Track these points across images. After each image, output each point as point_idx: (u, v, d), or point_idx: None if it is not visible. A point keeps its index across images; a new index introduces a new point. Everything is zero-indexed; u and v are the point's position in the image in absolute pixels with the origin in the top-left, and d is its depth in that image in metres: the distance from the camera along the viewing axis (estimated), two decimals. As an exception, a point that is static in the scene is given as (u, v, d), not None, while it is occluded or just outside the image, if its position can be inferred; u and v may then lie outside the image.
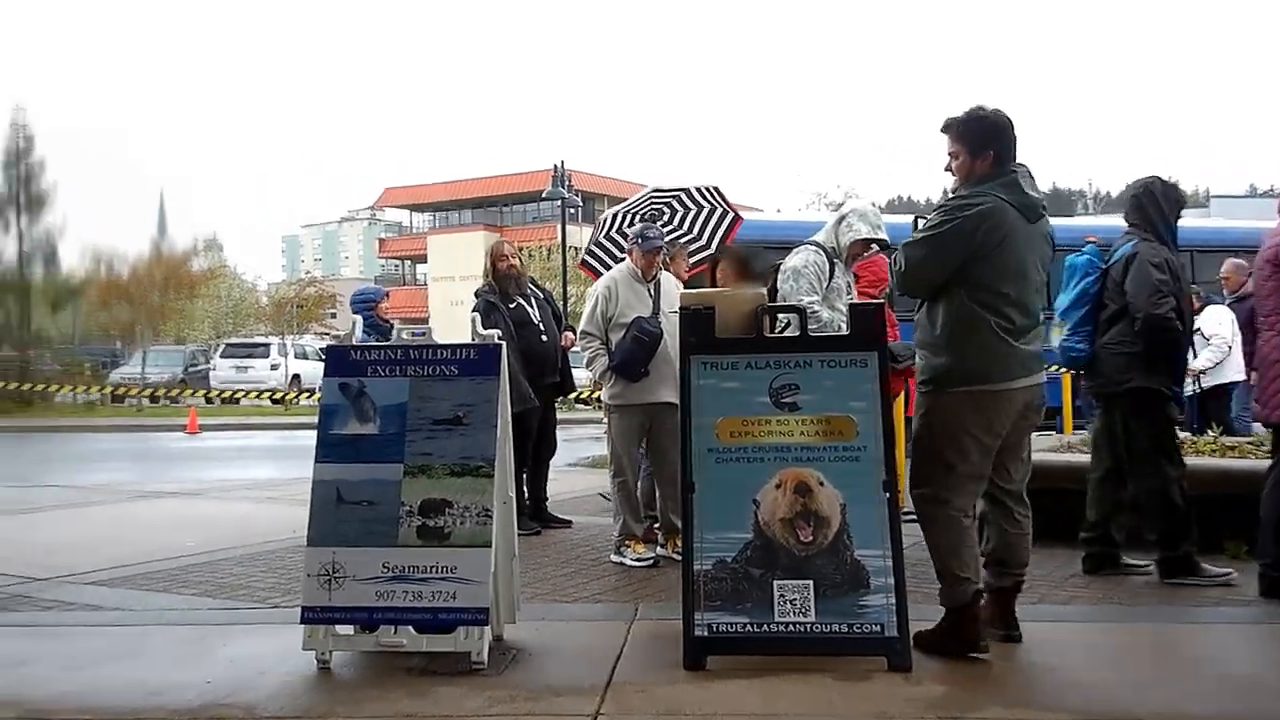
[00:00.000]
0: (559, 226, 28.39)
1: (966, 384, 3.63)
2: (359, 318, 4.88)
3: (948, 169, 3.83)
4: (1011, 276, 3.65)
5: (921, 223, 3.79)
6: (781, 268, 5.12)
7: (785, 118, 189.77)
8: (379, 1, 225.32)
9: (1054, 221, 3.97)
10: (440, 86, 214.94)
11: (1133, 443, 4.89)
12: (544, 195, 29.55)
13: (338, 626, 3.71)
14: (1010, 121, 3.78)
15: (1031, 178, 3.78)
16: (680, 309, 3.98)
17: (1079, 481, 5.18)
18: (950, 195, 3.86)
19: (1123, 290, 4.87)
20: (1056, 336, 5.15)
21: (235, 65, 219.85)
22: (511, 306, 6.50)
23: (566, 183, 26.26)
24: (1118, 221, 5.70)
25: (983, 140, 3.73)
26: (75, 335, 26.34)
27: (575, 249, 30.75)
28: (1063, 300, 5.16)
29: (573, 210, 29.48)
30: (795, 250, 5.13)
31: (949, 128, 3.79)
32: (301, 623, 3.69)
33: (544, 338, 6.58)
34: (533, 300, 6.69)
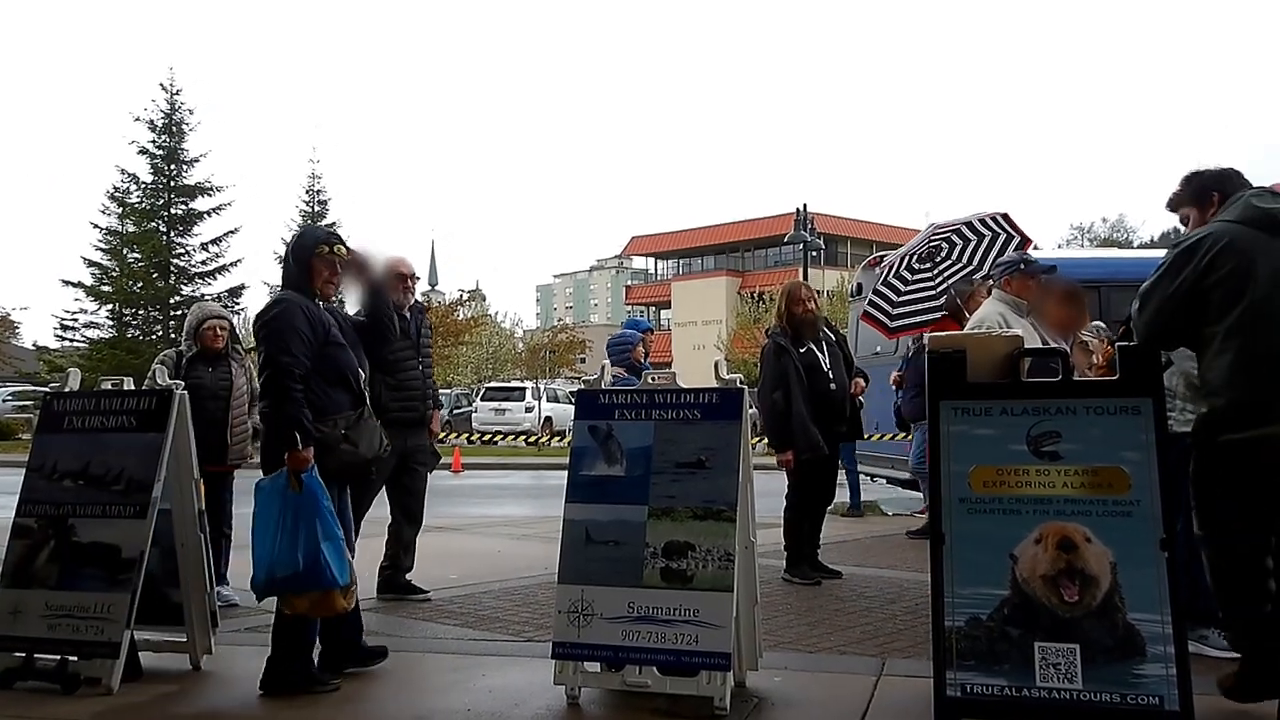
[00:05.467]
0: (800, 270, 28.25)
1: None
2: (607, 362, 5.04)
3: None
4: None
5: None
6: None
7: (1053, 149, 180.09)
8: (627, 60, 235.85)
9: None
10: (683, 134, 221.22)
11: None
12: (785, 239, 29.48)
13: (585, 663, 3.82)
14: (1231, 169, 3.65)
15: (1272, 192, 3.46)
16: (928, 352, 3.84)
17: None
18: None
19: None
20: None
21: (492, 120, 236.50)
22: (802, 350, 6.34)
23: (809, 226, 26.13)
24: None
25: (1204, 191, 3.60)
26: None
27: (818, 292, 30.42)
28: None
29: (814, 253, 29.18)
30: None
31: (1172, 203, 3.70)
32: (552, 657, 3.83)
33: (832, 385, 6.37)
34: (824, 344, 6.46)
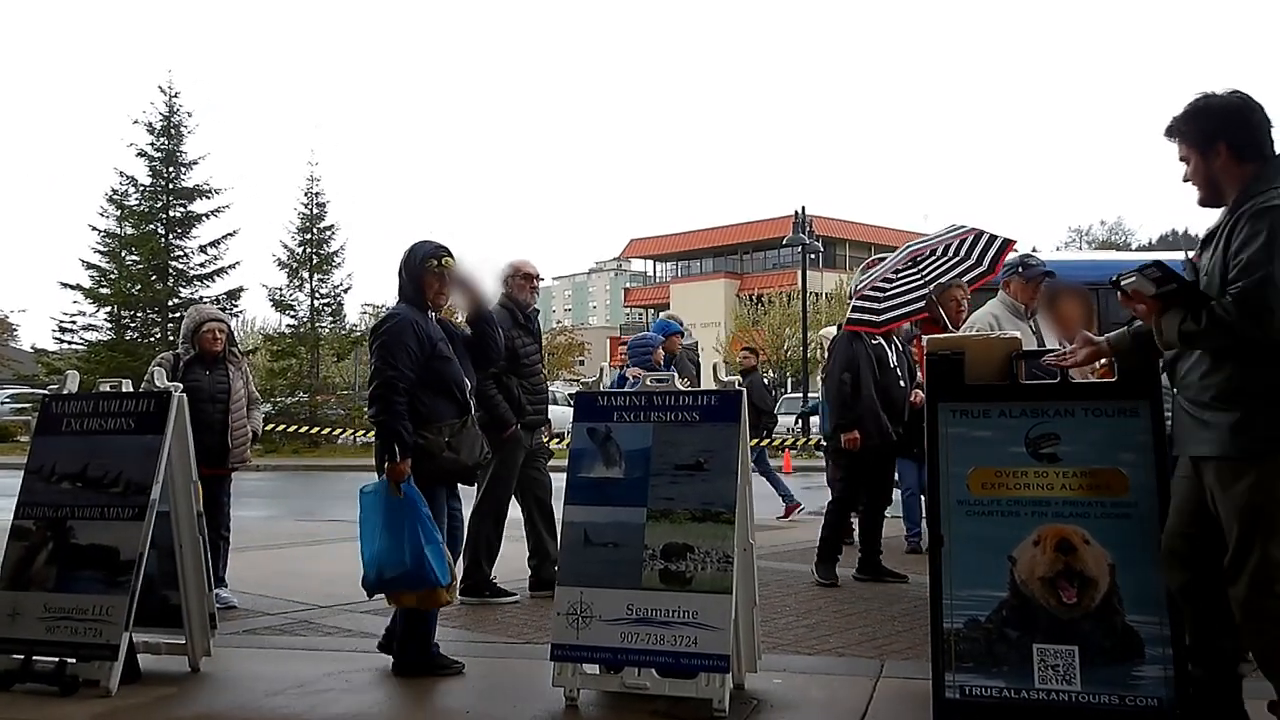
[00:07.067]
0: (799, 272, 28.27)
1: None
2: (605, 364, 5.06)
3: (1186, 180, 3.24)
4: None
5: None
6: None
7: (1046, 154, 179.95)
8: (625, 63, 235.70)
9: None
10: (681, 137, 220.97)
11: None
12: (784, 242, 29.49)
13: (584, 665, 3.82)
14: (1245, 103, 3.10)
15: None
16: (926, 354, 3.85)
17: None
18: (1240, 208, 3.00)
19: None
20: None
21: (490, 122, 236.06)
22: (874, 344, 6.56)
23: (808, 228, 26.14)
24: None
25: (1209, 131, 3.10)
26: (356, 382, 28.92)
27: (816, 295, 30.47)
28: None
29: (813, 256, 29.19)
30: None
31: (1170, 130, 3.21)
32: (551, 659, 3.83)
33: (901, 383, 6.59)
34: (894, 346, 6.70)
